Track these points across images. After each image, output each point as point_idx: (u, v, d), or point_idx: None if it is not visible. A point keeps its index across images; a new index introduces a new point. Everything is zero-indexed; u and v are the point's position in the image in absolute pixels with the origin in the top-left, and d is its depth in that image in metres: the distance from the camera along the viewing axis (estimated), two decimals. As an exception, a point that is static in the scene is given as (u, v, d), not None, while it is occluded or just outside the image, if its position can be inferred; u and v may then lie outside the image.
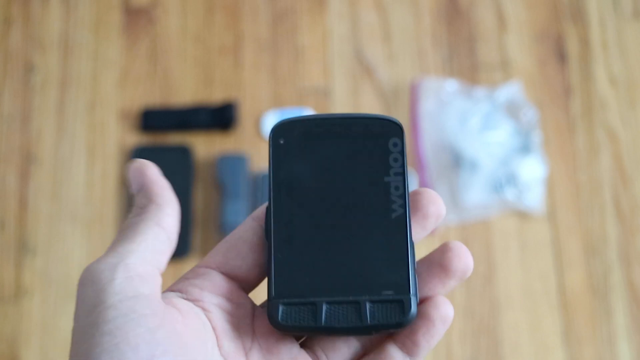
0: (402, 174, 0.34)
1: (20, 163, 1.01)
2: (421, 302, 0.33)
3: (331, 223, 0.33)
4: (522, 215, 0.99)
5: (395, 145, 0.34)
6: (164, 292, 0.34)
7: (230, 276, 0.34)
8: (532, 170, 1.00)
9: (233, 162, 0.99)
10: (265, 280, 0.34)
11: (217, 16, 1.07)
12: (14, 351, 0.94)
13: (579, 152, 1.02)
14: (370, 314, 0.32)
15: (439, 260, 0.34)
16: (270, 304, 0.33)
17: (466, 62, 1.05)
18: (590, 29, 1.07)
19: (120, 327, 0.28)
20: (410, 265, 0.33)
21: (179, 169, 1.00)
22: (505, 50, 1.06)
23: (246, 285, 0.35)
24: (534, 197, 0.99)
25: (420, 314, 0.33)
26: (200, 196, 1.00)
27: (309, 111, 1.01)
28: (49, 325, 0.95)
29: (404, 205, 0.34)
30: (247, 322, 0.34)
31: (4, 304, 0.96)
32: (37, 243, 0.98)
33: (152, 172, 0.34)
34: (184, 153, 1.00)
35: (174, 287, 0.34)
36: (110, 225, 0.98)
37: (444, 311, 0.33)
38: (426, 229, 0.35)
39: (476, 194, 0.99)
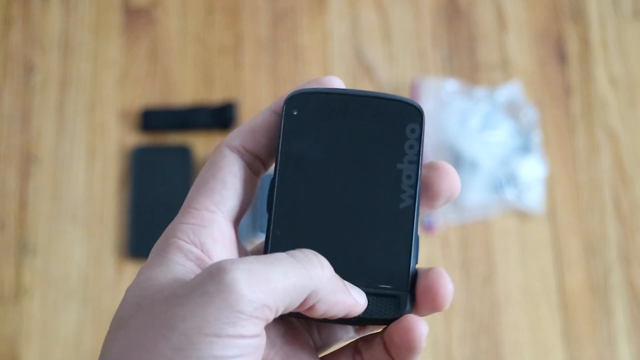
0: (416, 163, 0.32)
1: (20, 163, 1.01)
2: (425, 271, 0.32)
3: (336, 205, 0.32)
4: (522, 215, 0.99)
5: (413, 131, 0.33)
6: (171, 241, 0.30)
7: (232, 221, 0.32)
8: (532, 170, 1.00)
9: (233, 162, 0.99)
10: None
11: (217, 16, 1.07)
12: (14, 351, 0.94)
13: (579, 152, 1.02)
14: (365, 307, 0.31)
15: (424, 179, 0.32)
16: None
17: (466, 62, 1.05)
18: (590, 29, 1.07)
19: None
20: (411, 261, 0.31)
21: (179, 169, 1.00)
22: (505, 50, 1.06)
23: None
24: (534, 197, 0.99)
25: (425, 287, 0.31)
26: (200, 196, 1.00)
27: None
28: (49, 325, 0.95)
29: (414, 196, 0.32)
30: None
31: (4, 304, 0.96)
32: (37, 243, 0.98)
33: None
34: (184, 153, 1.00)
35: (186, 237, 0.30)
36: (110, 225, 0.98)
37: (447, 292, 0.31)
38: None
39: (476, 194, 0.99)
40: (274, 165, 0.33)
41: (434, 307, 0.30)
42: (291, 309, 0.29)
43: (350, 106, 0.33)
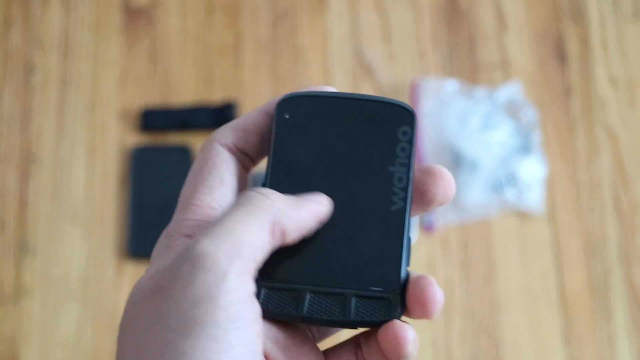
0: (408, 165, 0.32)
1: (20, 163, 1.01)
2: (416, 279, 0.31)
3: None
4: (522, 215, 0.99)
5: (404, 133, 0.33)
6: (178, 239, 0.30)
7: None
8: (532, 170, 1.00)
9: (233, 162, 0.99)
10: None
11: (217, 16, 1.07)
12: (14, 351, 0.94)
13: (579, 152, 1.02)
14: (355, 308, 0.31)
15: (418, 184, 0.32)
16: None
17: (466, 62, 1.05)
18: (590, 29, 1.07)
19: (226, 334, 0.26)
20: (402, 263, 0.31)
21: (179, 169, 1.00)
22: (505, 50, 1.06)
23: None
24: (534, 197, 0.99)
25: (415, 295, 0.31)
26: (200, 196, 1.00)
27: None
28: (49, 325, 0.95)
29: (405, 199, 0.32)
30: None
31: (4, 304, 0.96)
32: (37, 243, 0.98)
33: None
34: (184, 153, 1.00)
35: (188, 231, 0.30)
36: (110, 225, 0.98)
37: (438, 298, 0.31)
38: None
39: (476, 194, 0.99)
40: (265, 168, 0.33)
41: (423, 315, 0.31)
42: (268, 249, 0.29)
43: (342, 109, 0.33)
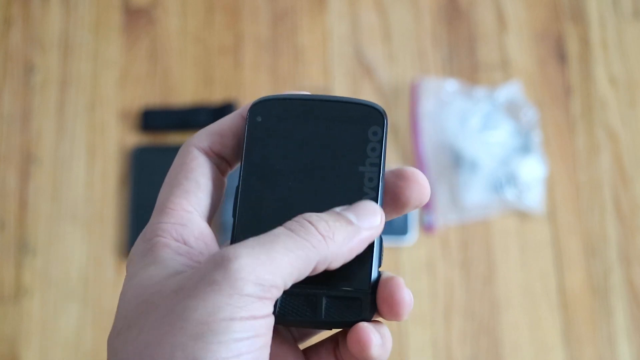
0: (378, 165, 0.32)
1: (20, 163, 1.01)
2: (386, 279, 0.31)
3: (298, 210, 0.32)
4: (522, 215, 0.99)
5: (375, 134, 0.33)
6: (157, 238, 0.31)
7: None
8: (532, 170, 1.00)
9: (233, 162, 0.99)
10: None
11: (217, 16, 1.07)
12: (14, 351, 0.94)
13: (579, 152, 1.02)
14: (325, 309, 0.31)
15: (392, 188, 0.32)
16: None
17: (466, 62, 1.05)
18: (590, 29, 1.07)
19: (237, 343, 0.27)
20: (374, 263, 0.31)
21: (179, 169, 1.00)
22: (505, 50, 1.06)
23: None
24: (534, 197, 0.99)
25: (384, 297, 0.31)
26: (200, 196, 1.00)
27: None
28: (49, 325, 0.95)
29: (375, 199, 0.32)
30: None
31: (4, 304, 0.96)
32: (37, 243, 0.98)
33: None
34: (184, 153, 1.00)
35: (167, 235, 0.31)
36: (110, 225, 0.98)
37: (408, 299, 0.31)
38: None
39: (476, 194, 0.99)
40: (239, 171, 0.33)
41: (392, 317, 0.31)
42: (302, 278, 0.29)
43: (314, 111, 0.33)
